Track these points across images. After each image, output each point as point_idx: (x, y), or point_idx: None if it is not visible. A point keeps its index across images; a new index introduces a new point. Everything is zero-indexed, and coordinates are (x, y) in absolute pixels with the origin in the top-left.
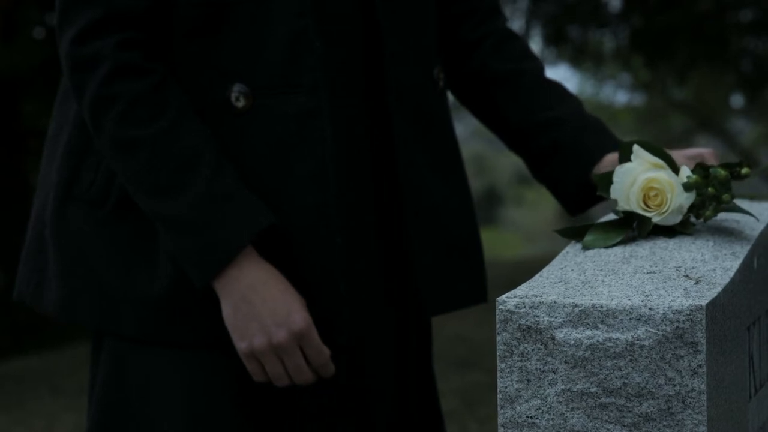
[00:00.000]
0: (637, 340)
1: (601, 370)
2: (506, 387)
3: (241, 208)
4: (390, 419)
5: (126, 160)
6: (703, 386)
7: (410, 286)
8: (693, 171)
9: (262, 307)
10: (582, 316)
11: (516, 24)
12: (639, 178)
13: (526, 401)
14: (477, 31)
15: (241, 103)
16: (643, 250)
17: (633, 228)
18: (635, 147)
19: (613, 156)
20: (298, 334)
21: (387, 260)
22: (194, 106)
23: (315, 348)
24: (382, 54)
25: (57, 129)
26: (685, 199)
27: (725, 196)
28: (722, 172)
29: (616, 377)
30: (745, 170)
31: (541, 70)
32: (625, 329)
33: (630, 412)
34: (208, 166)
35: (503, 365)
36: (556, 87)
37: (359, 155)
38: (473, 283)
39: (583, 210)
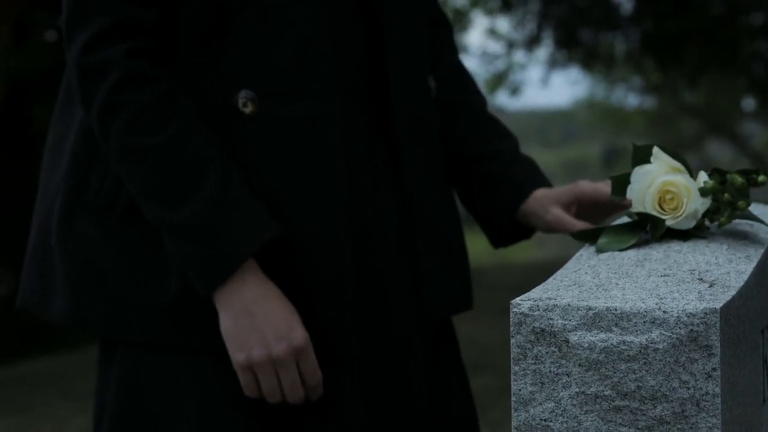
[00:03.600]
0: (651, 343)
1: (615, 373)
2: (520, 390)
3: (248, 216)
4: (406, 422)
5: (133, 167)
6: (718, 389)
7: (414, 290)
8: (710, 176)
9: (263, 321)
10: (596, 319)
11: (528, 27)
12: (656, 180)
13: (540, 404)
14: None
15: (248, 109)
16: (657, 253)
17: (646, 231)
18: (655, 149)
19: (542, 191)
20: (298, 350)
21: (391, 265)
22: (200, 112)
23: (311, 366)
24: (383, 62)
25: (59, 137)
26: (701, 205)
27: (741, 203)
28: (739, 179)
29: (630, 380)
30: (762, 177)
31: (484, 104)
32: (639, 332)
33: (644, 415)
34: (215, 173)
35: (517, 368)
36: (497, 123)
37: (363, 161)
38: (466, 288)
39: (506, 245)
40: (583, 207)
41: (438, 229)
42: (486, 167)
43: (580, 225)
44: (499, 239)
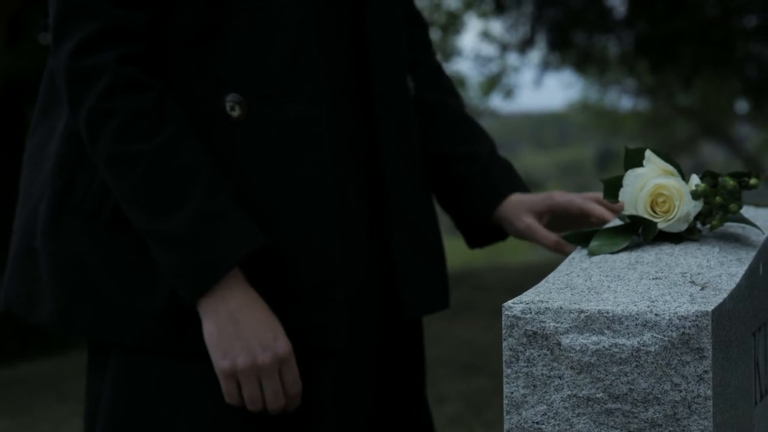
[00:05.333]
0: (643, 345)
1: (606, 375)
2: (512, 392)
3: (234, 226)
4: (392, 421)
5: (122, 175)
6: (709, 392)
7: (393, 290)
8: (702, 179)
9: (248, 329)
10: (588, 322)
11: (521, 30)
12: (648, 183)
13: (532, 407)
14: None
15: (236, 112)
16: (648, 255)
17: (638, 234)
18: (647, 153)
19: (517, 196)
20: (282, 359)
21: (375, 265)
22: (190, 117)
23: (293, 376)
24: (369, 64)
25: (42, 140)
26: (693, 208)
27: (733, 206)
28: (731, 182)
29: (622, 383)
30: (753, 180)
31: (463, 106)
32: (630, 335)
33: (636, 417)
34: (204, 183)
35: (509, 371)
36: (475, 125)
37: (352, 163)
38: (445, 288)
39: (482, 245)
40: (555, 218)
41: (421, 230)
42: (465, 168)
43: (551, 237)
44: (475, 240)
